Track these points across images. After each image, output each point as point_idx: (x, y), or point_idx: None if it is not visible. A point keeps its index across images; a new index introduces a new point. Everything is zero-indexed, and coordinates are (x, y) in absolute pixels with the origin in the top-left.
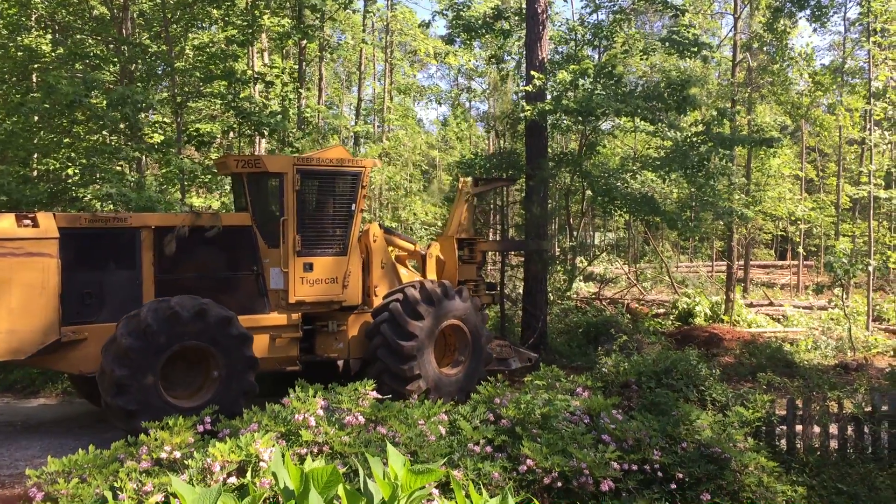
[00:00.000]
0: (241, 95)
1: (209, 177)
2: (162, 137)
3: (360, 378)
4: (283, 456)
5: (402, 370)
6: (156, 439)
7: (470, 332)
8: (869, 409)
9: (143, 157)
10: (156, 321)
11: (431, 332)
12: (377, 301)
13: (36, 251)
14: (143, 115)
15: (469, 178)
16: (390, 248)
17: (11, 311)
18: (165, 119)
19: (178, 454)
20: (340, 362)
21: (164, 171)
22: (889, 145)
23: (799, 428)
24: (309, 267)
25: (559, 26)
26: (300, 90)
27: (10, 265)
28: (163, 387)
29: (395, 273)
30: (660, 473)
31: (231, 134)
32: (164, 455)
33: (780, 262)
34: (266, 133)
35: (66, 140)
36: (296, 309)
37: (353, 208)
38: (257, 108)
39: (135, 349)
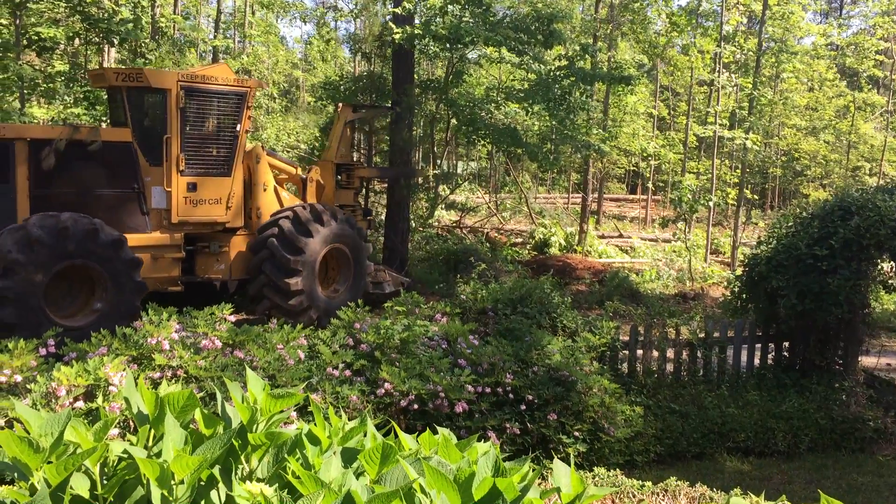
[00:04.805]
0: None
1: (51, 85)
2: None
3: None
4: (135, 380)
5: (286, 284)
6: None
7: (352, 258)
8: (702, 335)
9: None
10: (46, 235)
11: (317, 252)
12: (259, 223)
13: None
14: None
15: (349, 105)
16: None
17: None
18: (2, 20)
19: (19, 378)
20: (218, 283)
21: (0, 77)
22: (735, 88)
23: (640, 352)
24: (192, 187)
25: None
26: None
27: None
28: (46, 304)
29: (277, 196)
30: (511, 395)
31: (77, 41)
32: (3, 379)
33: (630, 196)
34: (116, 42)
35: None
36: (178, 229)
37: (237, 129)
38: (106, 15)
39: (20, 262)
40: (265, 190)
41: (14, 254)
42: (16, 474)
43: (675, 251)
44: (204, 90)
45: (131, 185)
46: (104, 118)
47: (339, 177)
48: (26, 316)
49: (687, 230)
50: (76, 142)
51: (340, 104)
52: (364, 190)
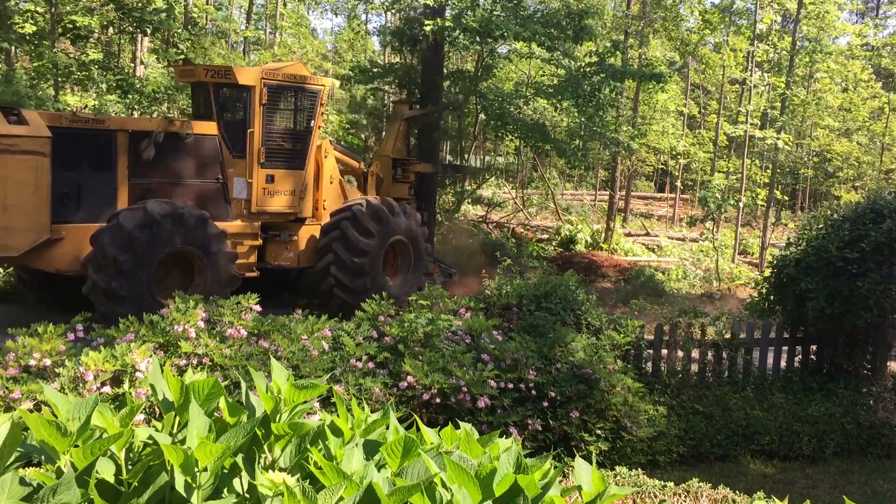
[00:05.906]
0: None
1: (85, 73)
2: (34, 28)
3: (303, 285)
4: (161, 367)
5: (357, 285)
6: (24, 346)
7: (413, 248)
8: (728, 336)
9: (13, 48)
10: (164, 218)
11: (380, 247)
12: (324, 214)
13: (30, 149)
14: (12, 2)
15: (405, 102)
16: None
17: (7, 208)
18: (38, 8)
19: (48, 362)
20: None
21: (36, 64)
22: (767, 87)
23: (664, 352)
24: (271, 178)
25: None
26: None
27: (4, 162)
28: (152, 283)
29: (341, 188)
30: (534, 392)
31: (111, 29)
32: (32, 362)
33: (658, 195)
34: (149, 31)
35: None
36: (256, 218)
37: (312, 124)
38: (140, 4)
39: (139, 240)
40: (331, 183)
41: (134, 232)
42: (43, 457)
43: (702, 251)
44: (285, 87)
45: (216, 175)
46: (136, 107)
47: (395, 171)
48: (137, 290)
49: (715, 230)
50: (170, 134)
51: (394, 101)
52: None
